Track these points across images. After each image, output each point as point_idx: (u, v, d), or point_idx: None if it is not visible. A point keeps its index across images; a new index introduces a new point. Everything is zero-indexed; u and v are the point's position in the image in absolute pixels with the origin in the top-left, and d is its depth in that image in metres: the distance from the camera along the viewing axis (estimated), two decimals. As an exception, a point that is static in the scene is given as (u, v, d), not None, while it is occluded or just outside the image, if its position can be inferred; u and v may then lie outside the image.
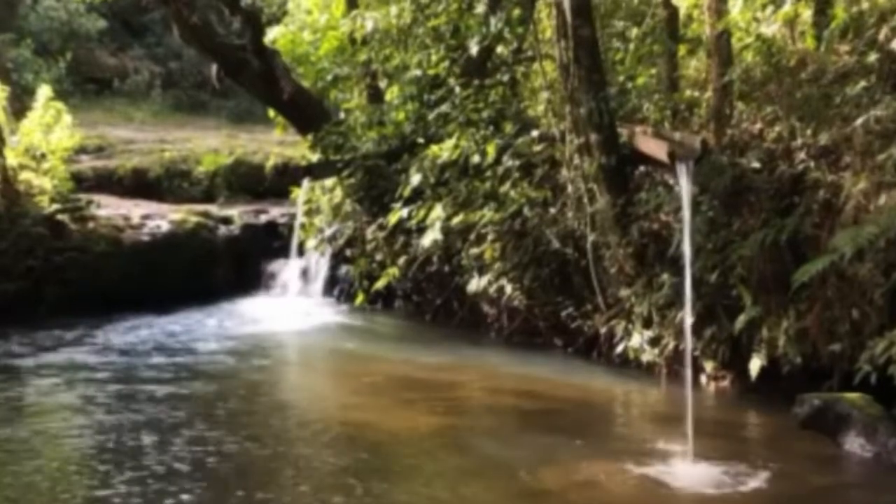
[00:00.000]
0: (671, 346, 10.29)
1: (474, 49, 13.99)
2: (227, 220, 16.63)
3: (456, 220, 12.66)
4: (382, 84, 16.32)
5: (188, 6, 15.71)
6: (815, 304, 8.99)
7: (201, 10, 16.52)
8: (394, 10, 15.27)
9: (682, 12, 12.23)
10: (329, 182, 15.47)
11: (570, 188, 11.73)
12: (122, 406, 9.37)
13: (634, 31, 13.13)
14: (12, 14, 25.88)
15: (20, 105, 16.67)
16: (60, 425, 8.99)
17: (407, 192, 13.47)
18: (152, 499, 6.97)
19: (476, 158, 12.84)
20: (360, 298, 14.64)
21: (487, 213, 12.33)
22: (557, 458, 7.99)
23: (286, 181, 16.86)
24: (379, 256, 14.43)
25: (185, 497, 7.01)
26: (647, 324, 10.59)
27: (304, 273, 15.88)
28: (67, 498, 7.13)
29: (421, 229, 13.28)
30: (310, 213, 15.94)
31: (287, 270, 15.94)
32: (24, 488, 7.21)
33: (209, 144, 20.82)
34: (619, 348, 10.91)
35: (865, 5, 9.69)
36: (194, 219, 16.03)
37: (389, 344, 12.93)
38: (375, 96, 16.23)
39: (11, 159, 14.24)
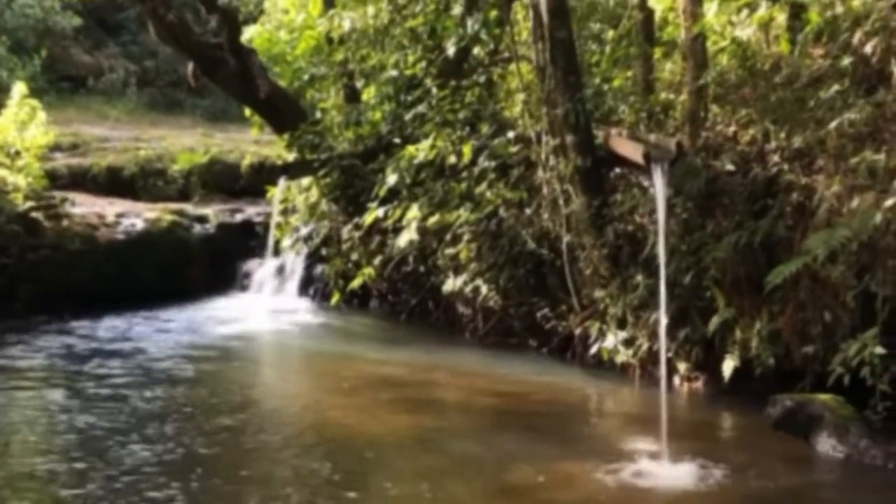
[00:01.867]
0: (645, 347, 10.33)
1: (451, 50, 14.04)
2: (202, 219, 16.58)
3: (432, 220, 12.67)
4: (359, 84, 16.33)
5: (164, 4, 15.65)
6: (788, 306, 9.05)
7: (177, 9, 16.53)
8: (371, 10, 15.28)
9: (658, 15, 12.31)
10: (305, 181, 15.47)
11: (545, 189, 11.76)
12: (92, 407, 9.30)
13: (610, 34, 13.19)
14: (-13, 11, 25.76)
15: (-6, 102, 16.60)
16: (32, 423, 8.97)
17: (383, 192, 13.48)
18: (124, 499, 6.96)
19: (452, 159, 12.87)
20: (335, 298, 14.65)
21: (463, 214, 12.35)
22: (532, 458, 8.00)
23: (262, 180, 16.81)
24: (354, 256, 14.43)
25: (154, 495, 7.00)
26: (622, 325, 10.63)
27: (280, 272, 15.86)
28: (41, 496, 7.12)
29: (397, 229, 13.30)
30: (285, 212, 15.94)
31: (262, 269, 15.92)
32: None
33: (184, 143, 20.75)
34: (594, 349, 10.95)
35: (839, 10, 9.75)
36: (169, 217, 15.98)
37: (365, 344, 12.92)
38: (352, 96, 16.23)
39: (-15, 156, 14.20)
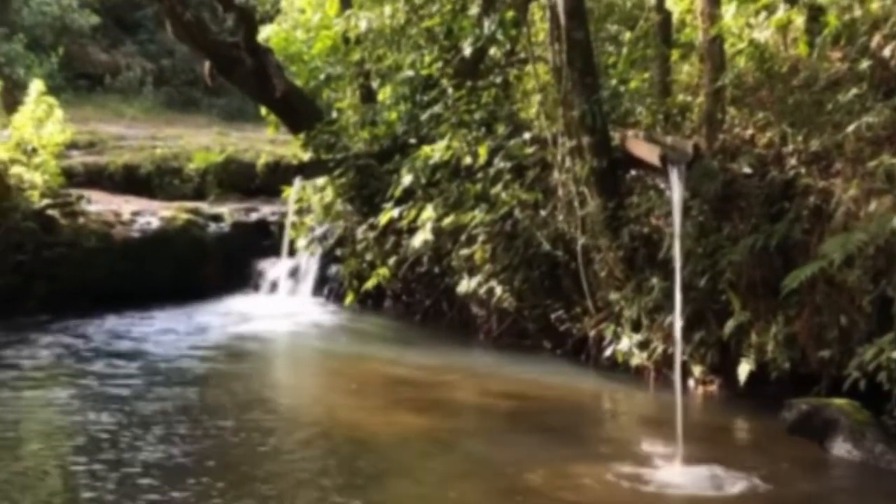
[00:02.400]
0: (660, 349, 10.30)
1: (467, 50, 14.02)
2: (217, 218, 16.58)
3: (447, 221, 12.65)
4: (375, 84, 16.33)
5: (181, 3, 15.65)
6: (804, 310, 9.02)
7: (194, 7, 16.52)
8: (387, 10, 15.27)
9: (676, 17, 12.26)
10: (320, 181, 15.46)
11: (561, 191, 11.73)
12: (105, 405, 9.30)
13: (627, 35, 13.16)
14: (5, 8, 25.85)
15: (12, 99, 16.68)
16: (44, 422, 9.00)
17: (398, 193, 13.45)
18: (135, 497, 6.97)
19: (468, 160, 12.84)
20: (349, 298, 14.63)
21: (478, 215, 12.32)
22: (545, 460, 7.99)
23: (277, 180, 16.81)
24: (369, 256, 14.42)
25: (163, 495, 7.01)
26: (637, 327, 10.60)
27: (294, 272, 15.85)
28: (50, 495, 7.13)
29: (412, 230, 13.27)
30: (300, 212, 15.93)
31: (277, 269, 15.91)
32: (5, 485, 7.20)
33: (200, 142, 20.76)
34: (608, 351, 10.92)
35: (858, 13, 9.72)
36: (185, 216, 16.00)
37: (378, 344, 12.91)
38: (368, 96, 16.22)
39: (2, 153, 14.19)
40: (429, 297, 13.84)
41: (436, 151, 13.16)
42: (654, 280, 10.29)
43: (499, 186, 12.37)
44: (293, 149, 17.87)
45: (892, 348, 7.74)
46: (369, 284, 14.17)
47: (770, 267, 9.32)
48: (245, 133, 22.74)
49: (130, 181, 18.74)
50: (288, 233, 15.50)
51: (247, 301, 15.21)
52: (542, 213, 12.00)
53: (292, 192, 15.32)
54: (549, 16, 11.51)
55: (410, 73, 15.07)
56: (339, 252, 15.25)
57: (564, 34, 10.99)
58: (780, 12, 10.38)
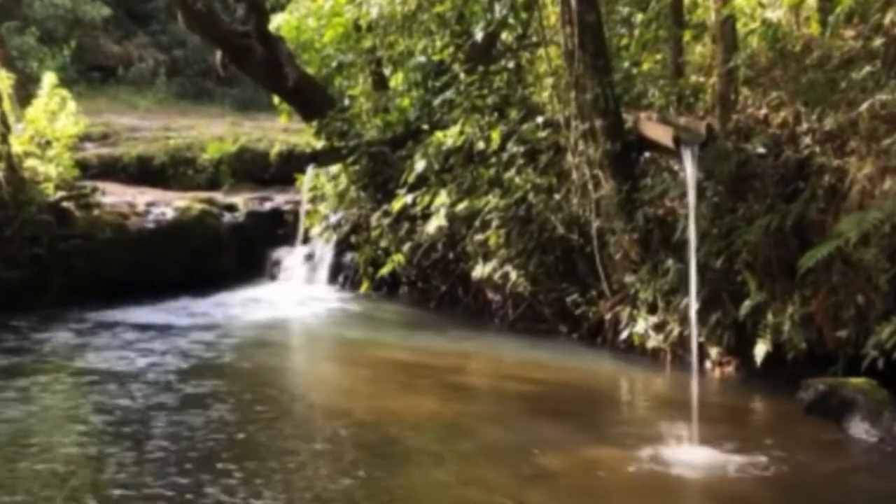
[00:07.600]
0: (676, 331, 10.29)
1: (479, 35, 13.98)
2: (231, 208, 16.60)
3: (461, 206, 12.66)
4: (387, 71, 16.33)
5: (192, -7, 15.68)
6: (821, 290, 8.99)
7: (205, -3, 16.53)
8: (398, -4, 15.27)
9: (688, -2, 12.22)
10: (334, 169, 15.47)
11: (574, 174, 11.70)
12: (125, 394, 9.34)
13: (639, 17, 13.09)
14: (17, 2, 25.90)
15: (25, 92, 16.72)
16: (63, 413, 9.02)
17: (411, 179, 13.47)
18: (157, 481, 6.99)
19: (481, 145, 12.84)
20: (364, 285, 14.65)
21: (492, 200, 12.33)
22: (562, 443, 8.00)
23: (291, 168, 16.85)
24: (384, 243, 14.42)
25: (184, 478, 7.03)
26: (652, 310, 10.59)
27: (309, 260, 15.86)
28: (72, 484, 7.15)
29: (426, 216, 13.29)
30: (314, 200, 15.95)
31: (292, 258, 15.93)
32: (26, 475, 7.23)
33: (214, 132, 20.80)
34: (624, 334, 10.90)
35: (871, -10, 9.67)
36: (199, 206, 16.00)
37: (394, 331, 12.93)
38: (380, 83, 16.21)
39: (16, 146, 14.20)
40: (444, 283, 13.83)
41: (449, 137, 13.16)
42: (670, 262, 10.28)
43: (512, 171, 12.37)
44: (306, 137, 17.88)
45: (910, 326, 7.72)
46: (384, 271, 14.18)
47: (786, 247, 9.30)
48: (258, 122, 22.77)
49: (144, 172, 18.83)
50: (302, 221, 15.52)
51: (262, 290, 15.23)
52: (556, 196, 11.98)
53: (306, 180, 15.34)
54: (560, -1, 11.48)
55: (422, 58, 15.06)
56: (353, 239, 15.24)
57: (576, 17, 10.95)
58: (793, -9, 10.34)
